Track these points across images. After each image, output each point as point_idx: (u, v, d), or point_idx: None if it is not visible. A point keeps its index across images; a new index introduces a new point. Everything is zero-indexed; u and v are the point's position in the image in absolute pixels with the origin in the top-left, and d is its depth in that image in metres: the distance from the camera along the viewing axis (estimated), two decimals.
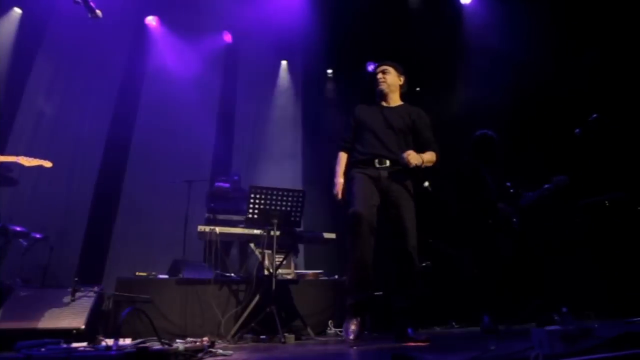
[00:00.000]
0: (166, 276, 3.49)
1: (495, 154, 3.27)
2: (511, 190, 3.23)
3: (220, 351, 1.39)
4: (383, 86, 2.61)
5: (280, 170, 5.96)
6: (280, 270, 3.73)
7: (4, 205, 4.27)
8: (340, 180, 2.57)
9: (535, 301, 2.93)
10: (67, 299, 2.81)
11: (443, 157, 2.63)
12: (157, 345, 1.27)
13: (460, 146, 3.85)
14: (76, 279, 2.89)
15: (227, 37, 6.05)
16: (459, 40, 5.44)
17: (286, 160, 6.13)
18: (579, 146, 3.04)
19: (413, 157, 2.34)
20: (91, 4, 1.56)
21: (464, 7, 5.57)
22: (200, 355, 1.21)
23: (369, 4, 5.71)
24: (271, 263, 2.91)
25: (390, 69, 2.66)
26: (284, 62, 6.49)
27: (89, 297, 2.90)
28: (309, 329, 2.92)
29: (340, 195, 2.53)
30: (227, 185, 4.26)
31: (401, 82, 2.69)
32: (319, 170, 5.83)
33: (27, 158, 3.15)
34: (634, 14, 3.80)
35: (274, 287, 2.68)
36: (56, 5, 5.38)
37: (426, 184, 2.38)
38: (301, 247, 5.53)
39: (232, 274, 3.63)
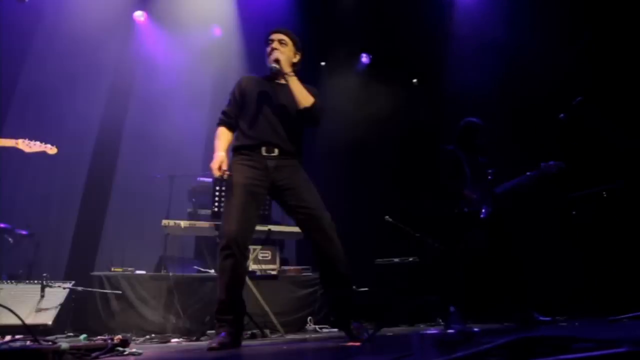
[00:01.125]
0: (143, 272, 3.46)
1: (477, 141, 3.15)
2: (489, 178, 3.10)
3: (135, 350, 1.32)
4: (274, 62, 2.17)
5: None
6: (263, 266, 3.67)
7: None
8: (221, 153, 2.13)
9: (509, 299, 2.79)
10: (37, 295, 2.79)
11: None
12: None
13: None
14: (45, 274, 2.86)
15: (217, 31, 5.98)
16: (450, 27, 5.27)
17: None
18: (565, 132, 2.87)
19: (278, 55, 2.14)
20: None
21: None
22: (96, 354, 1.13)
23: None
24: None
25: (288, 40, 2.28)
26: None
27: (60, 293, 2.88)
28: (278, 326, 2.84)
29: (225, 172, 2.07)
30: (210, 179, 4.19)
31: (296, 60, 2.31)
32: (312, 164, 5.74)
33: (28, 142, 2.94)
34: None
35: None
36: (37, 6, 5.39)
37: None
38: (292, 242, 5.48)
39: (212, 270, 3.58)
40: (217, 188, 2.74)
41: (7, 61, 5.12)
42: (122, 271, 3.29)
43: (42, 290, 2.80)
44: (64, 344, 1.03)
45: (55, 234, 4.86)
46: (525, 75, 4.16)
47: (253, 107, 2.18)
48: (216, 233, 3.03)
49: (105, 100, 5.58)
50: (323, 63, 6.50)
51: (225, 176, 2.08)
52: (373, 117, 5.83)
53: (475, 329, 1.06)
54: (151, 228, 5.38)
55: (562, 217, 3.83)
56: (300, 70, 2.33)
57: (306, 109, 2.13)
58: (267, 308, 2.82)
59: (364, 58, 6.27)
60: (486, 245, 2.81)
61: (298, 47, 2.35)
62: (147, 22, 5.75)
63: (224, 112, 2.30)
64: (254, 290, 2.90)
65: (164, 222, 2.90)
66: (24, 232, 4.03)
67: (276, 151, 2.15)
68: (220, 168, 2.08)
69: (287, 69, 2.17)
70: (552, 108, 2.91)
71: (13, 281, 2.88)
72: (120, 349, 1.26)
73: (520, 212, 3.53)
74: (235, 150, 2.20)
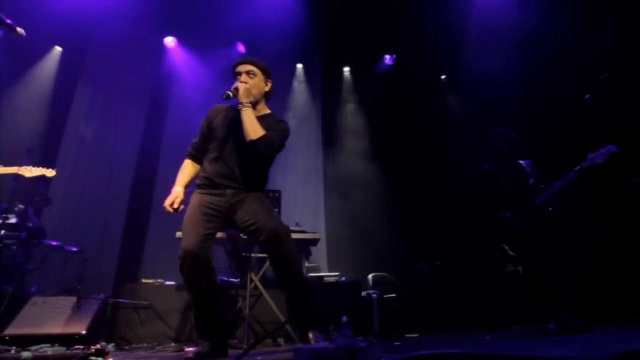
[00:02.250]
0: (173, 282, 3.62)
1: (511, 151, 3.05)
2: (528, 190, 2.97)
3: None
4: (243, 95, 2.11)
5: (303, 175, 5.95)
6: None
7: (45, 221, 4.74)
8: (178, 188, 2.18)
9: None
10: (72, 306, 3.02)
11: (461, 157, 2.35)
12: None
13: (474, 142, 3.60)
14: (79, 286, 3.09)
15: (241, 48, 6.20)
16: (473, 22, 5.02)
17: (308, 167, 6.07)
18: (594, 114, 2.59)
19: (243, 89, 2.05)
20: (8, 21, 1.64)
21: None
22: None
23: None
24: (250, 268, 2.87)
25: (256, 70, 2.24)
26: (299, 65, 6.49)
27: (94, 304, 3.10)
28: (292, 334, 2.82)
29: (173, 207, 2.12)
30: None
31: (267, 88, 2.28)
32: (340, 177, 5.74)
33: (30, 168, 3.23)
34: None
35: (248, 294, 2.62)
36: (90, 41, 5.97)
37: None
38: (323, 249, 5.47)
39: (237, 279, 3.66)
40: None
41: (61, 86, 5.74)
42: (153, 283, 3.47)
43: (78, 301, 3.04)
44: (25, 353, 1.09)
45: (103, 249, 5.25)
46: (549, 66, 3.85)
47: (216, 139, 2.17)
48: (230, 242, 3.11)
49: (143, 121, 6.00)
50: (347, 69, 6.49)
51: (178, 211, 2.12)
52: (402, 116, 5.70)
53: (362, 344, 0.97)
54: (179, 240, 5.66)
55: (611, 211, 3.48)
56: (270, 99, 2.31)
57: (251, 142, 2.02)
58: (281, 317, 2.82)
59: (387, 59, 6.16)
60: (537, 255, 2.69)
61: (268, 75, 2.31)
62: (177, 47, 6.11)
63: (192, 144, 2.32)
64: (268, 299, 2.92)
65: (178, 233, 3.03)
66: (73, 249, 4.41)
67: (232, 189, 2.10)
68: (172, 205, 2.13)
69: (243, 98, 2.09)
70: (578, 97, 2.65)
71: (53, 294, 3.13)
72: (94, 358, 1.30)
73: (567, 216, 3.28)
74: (197, 185, 2.22)
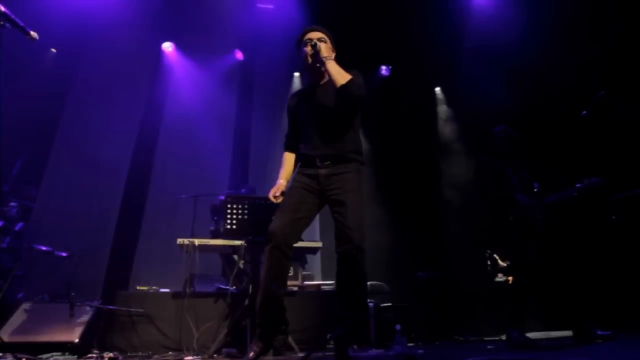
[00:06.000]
0: (168, 290, 3.56)
1: (516, 150, 3.00)
2: (535, 190, 2.94)
3: None
4: (318, 57, 2.13)
5: None
6: None
7: (32, 226, 4.63)
8: (280, 181, 2.28)
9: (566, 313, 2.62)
10: (66, 313, 2.95)
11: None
12: None
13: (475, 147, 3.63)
14: (73, 293, 3.02)
15: (239, 55, 6.22)
16: (469, 34, 5.15)
17: None
18: (589, 130, 2.67)
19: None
20: (21, 24, 1.62)
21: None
22: None
23: (374, 8, 5.61)
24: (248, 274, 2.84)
25: (326, 37, 2.25)
26: (296, 74, 6.53)
27: (88, 311, 3.02)
28: (292, 344, 2.79)
29: (277, 198, 2.22)
30: None
31: (335, 54, 2.30)
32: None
33: None
34: None
35: (247, 300, 2.60)
36: (85, 44, 5.92)
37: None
38: (317, 257, 5.45)
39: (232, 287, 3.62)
40: (229, 206, 2.79)
41: (54, 89, 5.65)
42: (147, 290, 3.41)
43: (71, 309, 2.96)
44: None
45: (93, 254, 5.14)
46: (543, 79, 3.96)
47: (302, 122, 2.26)
48: (230, 250, 3.08)
49: (138, 127, 5.94)
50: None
51: (278, 201, 2.22)
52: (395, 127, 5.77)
53: (420, 351, 0.98)
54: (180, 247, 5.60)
55: (603, 223, 3.56)
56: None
57: (342, 87, 2.08)
58: (295, 325, 2.80)
59: (384, 70, 6.25)
60: (539, 257, 2.68)
61: (334, 44, 2.35)
62: (175, 52, 6.10)
63: (285, 136, 2.43)
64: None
65: (179, 240, 2.99)
66: (63, 254, 4.31)
67: (328, 160, 2.16)
68: (274, 195, 2.23)
69: (325, 53, 2.13)
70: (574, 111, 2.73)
71: (45, 301, 3.05)
72: None
73: (569, 224, 3.33)
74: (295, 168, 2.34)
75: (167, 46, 6.04)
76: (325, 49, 2.17)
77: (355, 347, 2.06)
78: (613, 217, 3.48)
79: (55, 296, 4.03)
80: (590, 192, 2.81)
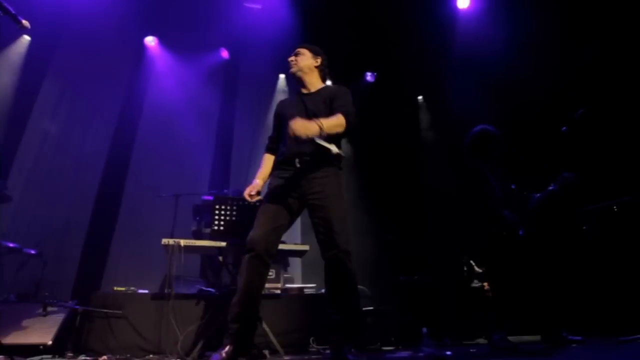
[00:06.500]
0: (146, 291, 3.46)
1: (497, 152, 3.00)
2: (516, 194, 3.01)
3: None
4: (294, 69, 2.37)
5: None
6: (267, 285, 3.63)
7: (1, 221, 4.39)
8: (257, 181, 2.34)
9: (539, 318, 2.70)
10: (38, 314, 2.81)
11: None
12: None
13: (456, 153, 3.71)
14: (47, 293, 2.88)
15: (225, 54, 6.14)
16: (454, 47, 5.31)
17: None
18: (569, 146, 2.82)
19: (299, 126, 1.93)
20: (14, 13, 1.55)
21: (459, 12, 5.45)
22: None
23: (362, 14, 5.69)
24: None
25: (303, 50, 2.42)
26: (281, 76, 6.52)
27: (61, 312, 2.89)
28: (277, 347, 2.78)
29: (252, 197, 2.27)
30: (212, 198, 4.22)
31: (318, 63, 2.42)
32: None
33: None
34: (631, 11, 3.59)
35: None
36: (63, 32, 5.67)
37: (335, 150, 2.05)
38: (297, 260, 5.44)
39: (212, 289, 3.56)
40: (217, 207, 2.75)
41: (27, 78, 5.38)
42: (125, 290, 3.30)
43: (44, 309, 2.82)
44: None
45: (63, 253, 4.92)
46: (525, 87, 4.15)
47: (286, 125, 2.22)
48: (216, 252, 3.03)
49: (116, 121, 5.74)
50: (329, 82, 6.59)
51: (254, 200, 2.28)
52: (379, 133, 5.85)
53: (448, 352, 1.02)
54: (157, 247, 5.43)
55: (575, 233, 3.74)
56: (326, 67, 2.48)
57: (346, 131, 2.16)
58: (267, 328, 2.77)
59: (369, 76, 6.34)
60: (519, 263, 2.75)
61: (317, 53, 2.46)
62: (158, 47, 5.95)
63: (268, 138, 2.49)
64: None
65: (164, 240, 2.91)
66: (32, 252, 4.10)
67: (306, 157, 2.18)
68: (249, 194, 2.28)
69: (307, 132, 1.99)
70: (553, 122, 2.87)
71: (16, 300, 2.90)
72: None
73: (545, 229, 3.45)
74: (274, 167, 2.35)
75: (150, 40, 5.89)
76: (305, 65, 2.37)
77: (353, 350, 2.06)
78: (584, 227, 3.66)
79: (22, 296, 3.84)
80: (567, 187, 2.90)
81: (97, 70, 5.66)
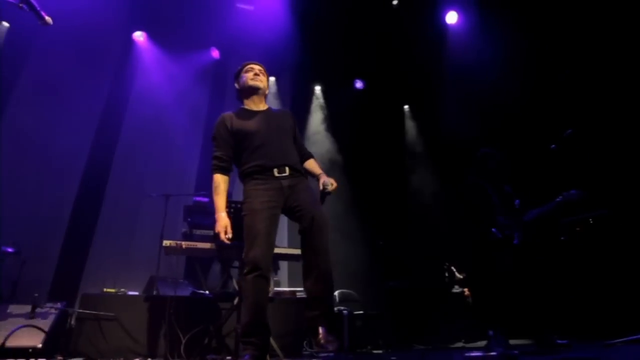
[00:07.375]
0: (136, 293, 3.38)
1: (498, 171, 3.14)
2: (516, 207, 3.16)
3: None
4: (262, 85, 2.39)
5: None
6: None
7: None
8: (222, 214, 2.18)
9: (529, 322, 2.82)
10: (26, 316, 2.70)
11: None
12: None
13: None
14: (36, 294, 2.78)
15: (215, 54, 6.09)
16: (442, 60, 5.51)
17: None
18: (556, 162, 3.00)
19: (335, 185, 2.28)
20: (38, 9, 1.52)
21: (448, 27, 5.66)
22: None
23: (354, 22, 5.80)
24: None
25: (264, 71, 2.47)
26: (272, 78, 6.51)
27: (51, 314, 2.79)
28: (277, 350, 2.80)
29: (228, 235, 2.16)
30: (206, 199, 4.18)
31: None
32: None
33: None
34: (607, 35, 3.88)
35: (234, 306, 2.57)
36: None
37: (328, 187, 2.24)
38: (284, 263, 5.45)
39: (206, 292, 3.53)
40: None
41: (3, 69, 5.10)
42: (116, 292, 3.22)
43: (32, 311, 2.71)
44: None
45: (42, 251, 4.71)
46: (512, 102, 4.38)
47: (252, 138, 2.24)
48: (214, 254, 3.01)
49: (99, 117, 5.56)
50: (318, 87, 6.67)
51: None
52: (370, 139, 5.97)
53: (515, 351, 1.10)
54: (140, 247, 5.30)
55: (553, 242, 3.96)
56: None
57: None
58: (272, 331, 2.78)
59: (358, 83, 6.46)
60: (512, 270, 2.85)
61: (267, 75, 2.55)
62: (146, 43, 5.82)
63: (216, 157, 2.27)
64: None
65: (165, 242, 2.86)
66: (9, 250, 3.91)
67: (287, 170, 2.22)
68: (225, 233, 2.17)
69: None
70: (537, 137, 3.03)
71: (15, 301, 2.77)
72: None
73: (542, 239, 3.61)
74: (247, 176, 2.22)
75: (139, 35, 5.74)
76: (266, 86, 2.47)
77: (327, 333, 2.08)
78: (562, 238, 3.90)
79: None
80: (570, 204, 3.08)
81: (80, 63, 5.46)
